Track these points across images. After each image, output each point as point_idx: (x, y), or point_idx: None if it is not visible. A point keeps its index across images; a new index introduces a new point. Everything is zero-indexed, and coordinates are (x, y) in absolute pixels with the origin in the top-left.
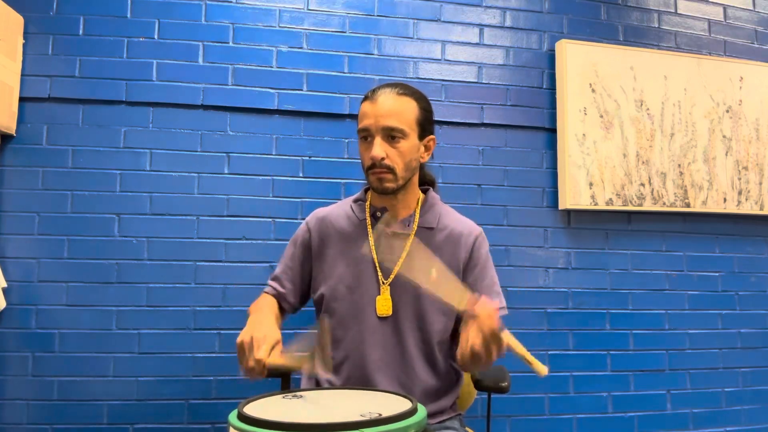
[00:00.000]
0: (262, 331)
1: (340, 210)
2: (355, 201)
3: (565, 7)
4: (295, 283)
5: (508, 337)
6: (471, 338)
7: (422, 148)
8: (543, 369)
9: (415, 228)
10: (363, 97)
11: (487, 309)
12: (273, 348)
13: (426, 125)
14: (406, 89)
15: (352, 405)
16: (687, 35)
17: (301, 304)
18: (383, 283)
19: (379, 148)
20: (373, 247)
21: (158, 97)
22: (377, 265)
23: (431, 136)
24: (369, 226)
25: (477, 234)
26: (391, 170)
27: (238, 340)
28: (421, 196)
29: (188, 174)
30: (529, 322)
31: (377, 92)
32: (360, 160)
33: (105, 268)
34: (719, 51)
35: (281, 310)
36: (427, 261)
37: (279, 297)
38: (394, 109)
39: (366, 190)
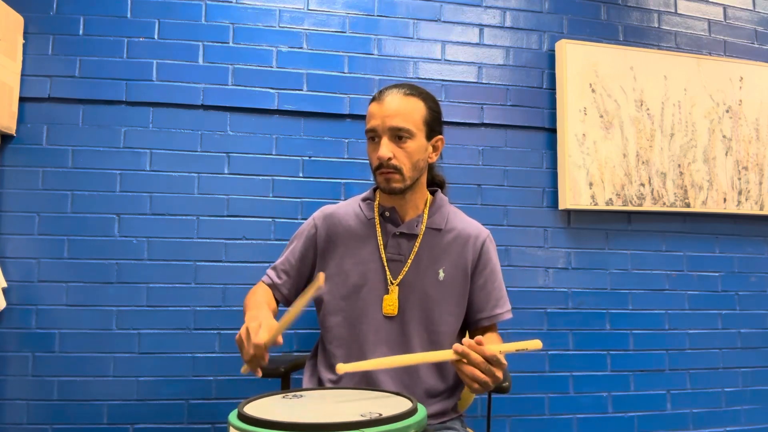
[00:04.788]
0: (257, 321)
1: (348, 208)
2: (364, 200)
3: (565, 7)
4: (291, 275)
5: (497, 349)
6: (470, 374)
7: (430, 149)
8: (537, 344)
9: (423, 228)
10: (371, 98)
11: (471, 344)
12: (270, 333)
13: (434, 125)
14: (413, 89)
15: (352, 405)
16: (687, 35)
17: (295, 297)
18: (392, 282)
19: (386, 149)
20: (382, 247)
21: (158, 97)
22: (386, 264)
23: (439, 137)
24: (377, 226)
25: (485, 236)
26: (398, 170)
27: (237, 336)
28: (429, 197)
29: (188, 174)
30: (529, 322)
31: (384, 93)
32: (367, 161)
33: (105, 268)
34: (719, 51)
35: (275, 300)
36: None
37: (273, 287)
38: (401, 109)
39: (375, 190)
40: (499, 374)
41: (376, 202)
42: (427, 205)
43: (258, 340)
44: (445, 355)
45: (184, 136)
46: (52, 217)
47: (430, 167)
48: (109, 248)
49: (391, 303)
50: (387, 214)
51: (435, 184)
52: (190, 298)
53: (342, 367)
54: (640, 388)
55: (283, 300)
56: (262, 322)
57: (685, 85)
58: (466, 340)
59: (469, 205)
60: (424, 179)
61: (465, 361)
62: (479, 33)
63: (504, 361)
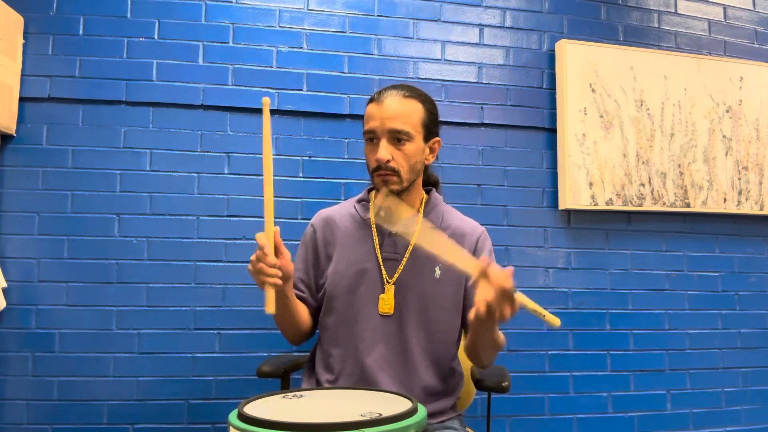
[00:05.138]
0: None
1: (343, 210)
2: (359, 201)
3: (565, 7)
4: (309, 286)
5: (520, 297)
6: (484, 295)
7: (427, 150)
8: (556, 320)
9: (419, 227)
10: (369, 98)
11: (499, 270)
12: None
13: (431, 127)
14: (412, 91)
15: (352, 405)
16: (687, 35)
17: (319, 305)
18: (387, 281)
19: (385, 151)
20: (377, 246)
21: (158, 97)
22: (381, 264)
23: (436, 139)
24: (373, 226)
25: (480, 233)
26: (396, 172)
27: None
28: (425, 196)
29: (188, 174)
30: (529, 322)
31: (383, 94)
32: (365, 161)
33: (105, 268)
34: (719, 51)
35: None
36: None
37: (301, 301)
38: (400, 111)
39: (369, 190)
40: (507, 313)
41: (371, 203)
42: (422, 204)
43: (270, 261)
44: (470, 264)
45: (184, 136)
46: (52, 217)
47: (425, 167)
48: (109, 248)
49: (387, 302)
50: (382, 213)
51: (429, 183)
52: (190, 298)
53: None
54: (640, 388)
55: (312, 310)
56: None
57: (685, 85)
58: (494, 265)
59: (469, 205)
60: (419, 180)
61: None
62: (479, 33)
63: (516, 305)
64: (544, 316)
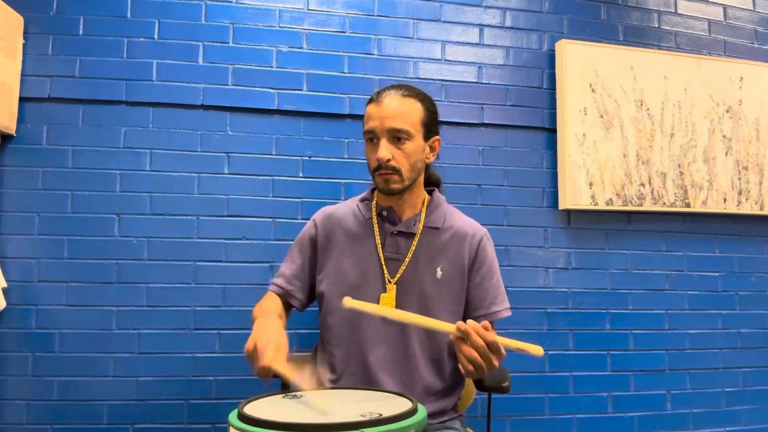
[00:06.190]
0: (266, 337)
1: (346, 208)
2: (362, 200)
3: (565, 7)
4: (303, 279)
5: (502, 341)
6: (468, 354)
7: (427, 149)
8: (538, 350)
9: (421, 228)
10: (368, 99)
11: (477, 326)
12: (279, 352)
13: (431, 126)
14: (411, 90)
15: (353, 405)
16: (687, 35)
17: (309, 300)
18: (389, 281)
19: (385, 150)
20: (380, 246)
21: (158, 97)
22: (383, 263)
23: (436, 137)
24: (375, 225)
25: (482, 234)
26: (397, 171)
27: (245, 348)
28: (427, 196)
29: (188, 174)
30: (529, 322)
31: (382, 94)
32: (366, 161)
33: (105, 268)
34: (719, 51)
35: (288, 307)
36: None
37: (285, 295)
38: (399, 110)
39: (373, 190)
40: (496, 362)
41: (374, 202)
42: (425, 204)
43: (265, 362)
44: (448, 327)
45: (184, 136)
46: (52, 217)
47: (427, 167)
48: (109, 248)
49: (388, 302)
50: (385, 213)
51: (431, 183)
52: (190, 298)
53: (348, 301)
54: (640, 388)
55: (300, 305)
56: (270, 340)
57: (685, 85)
58: (471, 321)
59: (469, 205)
60: (421, 179)
61: (465, 340)
62: (479, 33)
63: (503, 352)
64: (527, 350)
